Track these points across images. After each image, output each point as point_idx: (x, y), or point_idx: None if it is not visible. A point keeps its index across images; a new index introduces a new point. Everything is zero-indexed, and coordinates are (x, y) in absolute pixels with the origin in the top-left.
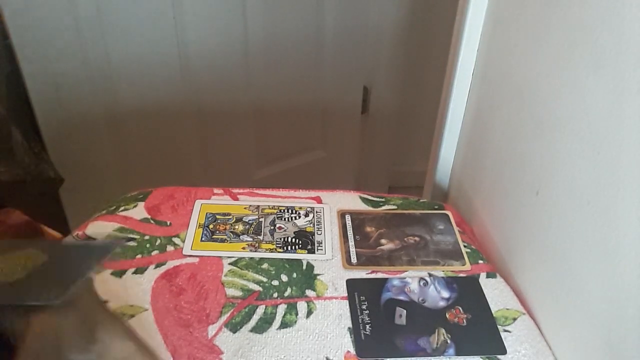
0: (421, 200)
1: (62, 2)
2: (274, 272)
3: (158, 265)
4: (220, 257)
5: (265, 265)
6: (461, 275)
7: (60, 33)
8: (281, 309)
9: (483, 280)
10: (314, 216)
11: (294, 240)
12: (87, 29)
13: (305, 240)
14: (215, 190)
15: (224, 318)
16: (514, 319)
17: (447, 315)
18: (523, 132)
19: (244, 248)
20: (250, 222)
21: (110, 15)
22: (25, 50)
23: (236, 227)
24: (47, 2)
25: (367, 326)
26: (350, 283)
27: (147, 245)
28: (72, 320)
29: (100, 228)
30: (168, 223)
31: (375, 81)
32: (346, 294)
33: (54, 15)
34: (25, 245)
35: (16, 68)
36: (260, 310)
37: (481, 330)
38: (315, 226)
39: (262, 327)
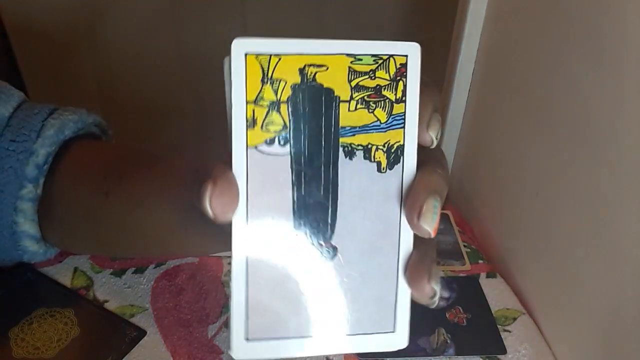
0: None
1: (61, 2)
2: None
3: (158, 265)
4: (220, 257)
5: None
6: (461, 275)
7: (60, 33)
8: None
9: (483, 280)
10: None
11: None
12: (88, 29)
13: None
14: None
15: (224, 318)
16: (514, 319)
17: (447, 315)
18: (523, 132)
19: None
20: None
21: (110, 16)
22: (24, 50)
23: None
24: (46, 2)
25: None
26: None
27: None
28: None
29: None
30: None
31: None
32: None
33: (53, 16)
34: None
35: (17, 68)
36: None
37: (481, 330)
38: None
39: None
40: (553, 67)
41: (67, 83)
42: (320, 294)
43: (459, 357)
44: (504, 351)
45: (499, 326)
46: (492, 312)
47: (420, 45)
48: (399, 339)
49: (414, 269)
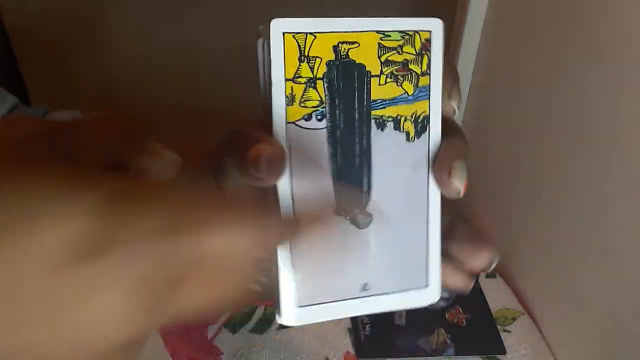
0: None
1: (61, 2)
2: None
3: None
4: None
5: (265, 265)
6: None
7: (60, 33)
8: None
9: (483, 280)
10: None
11: None
12: (88, 29)
13: None
14: None
15: (223, 318)
16: (514, 319)
17: (447, 316)
18: (523, 133)
19: None
20: None
21: (110, 16)
22: (24, 50)
23: None
24: (46, 2)
25: (367, 326)
26: None
27: None
28: None
29: None
30: None
31: None
32: None
33: (54, 16)
34: None
35: (16, 68)
36: (259, 311)
37: (481, 330)
38: None
39: (261, 327)
40: (553, 68)
41: (67, 83)
42: (359, 258)
43: (459, 357)
44: (503, 351)
45: (499, 326)
46: (492, 312)
47: None
48: (432, 293)
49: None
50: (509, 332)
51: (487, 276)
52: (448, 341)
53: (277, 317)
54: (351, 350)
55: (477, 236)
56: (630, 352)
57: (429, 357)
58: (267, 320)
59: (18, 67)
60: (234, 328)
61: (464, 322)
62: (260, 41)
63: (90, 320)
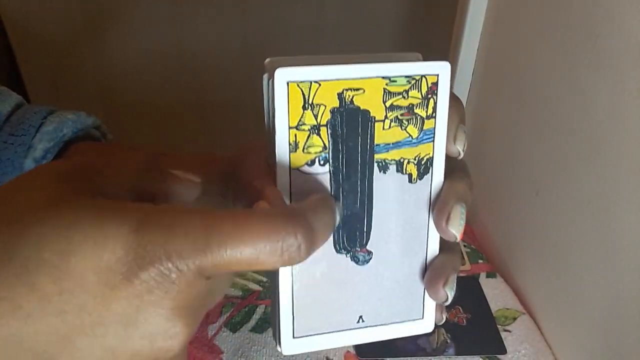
0: None
1: (61, 3)
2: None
3: None
4: None
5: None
6: (461, 275)
7: (60, 33)
8: None
9: (483, 280)
10: None
11: None
12: (88, 29)
13: None
14: None
15: (223, 317)
16: (514, 319)
17: (447, 315)
18: (523, 132)
19: None
20: None
21: (110, 16)
22: (24, 51)
23: None
24: (46, 2)
25: None
26: None
27: None
28: None
29: None
30: None
31: None
32: None
33: (53, 16)
34: None
35: (16, 69)
36: (260, 310)
37: (481, 330)
38: None
39: (262, 326)
40: (552, 68)
41: (67, 83)
42: (356, 292)
43: (459, 357)
44: (504, 351)
45: (499, 326)
46: (492, 312)
47: (420, 45)
48: (427, 324)
49: (434, 272)
50: (509, 332)
51: (487, 276)
52: (448, 341)
53: (277, 347)
54: (352, 349)
55: (440, 272)
56: (631, 353)
57: (429, 357)
58: (268, 320)
59: (18, 67)
60: (235, 327)
61: (465, 321)
62: (265, 76)
63: (140, 341)
